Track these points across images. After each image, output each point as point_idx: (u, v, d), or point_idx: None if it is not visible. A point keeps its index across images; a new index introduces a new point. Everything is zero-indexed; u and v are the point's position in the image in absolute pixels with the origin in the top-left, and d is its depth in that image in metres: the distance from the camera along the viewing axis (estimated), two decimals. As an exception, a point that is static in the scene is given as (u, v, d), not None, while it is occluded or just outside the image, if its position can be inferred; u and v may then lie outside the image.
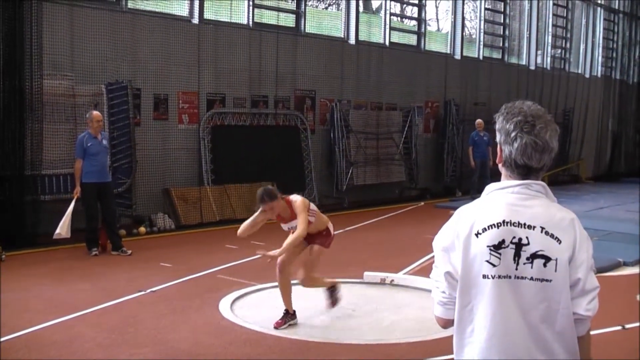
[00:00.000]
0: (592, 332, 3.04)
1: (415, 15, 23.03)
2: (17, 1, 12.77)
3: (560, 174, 27.63)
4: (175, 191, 15.49)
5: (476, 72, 24.36)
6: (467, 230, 2.96)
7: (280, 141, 17.71)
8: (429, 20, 25.07)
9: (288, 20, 18.85)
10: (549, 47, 28.81)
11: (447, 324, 3.10)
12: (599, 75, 32.40)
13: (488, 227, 2.93)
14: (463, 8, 24.45)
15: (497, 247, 2.91)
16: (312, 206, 8.62)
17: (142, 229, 14.42)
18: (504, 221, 2.93)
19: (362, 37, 20.51)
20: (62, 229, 11.63)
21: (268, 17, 18.32)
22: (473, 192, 19.75)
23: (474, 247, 2.93)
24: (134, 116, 14.78)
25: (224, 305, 9.14)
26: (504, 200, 2.98)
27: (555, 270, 2.88)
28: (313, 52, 18.92)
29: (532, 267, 2.89)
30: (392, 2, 22.13)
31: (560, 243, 2.89)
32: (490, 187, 3.06)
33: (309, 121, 18.67)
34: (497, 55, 26.47)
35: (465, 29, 25.65)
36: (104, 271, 11.03)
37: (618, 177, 30.97)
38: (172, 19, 16.04)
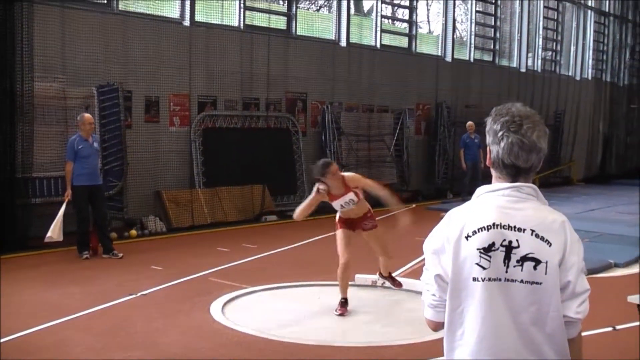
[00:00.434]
0: (583, 334, 3.04)
1: (407, 17, 23.05)
2: (7, 3, 12.74)
3: (551, 175, 27.69)
4: (166, 194, 15.48)
5: (467, 75, 24.40)
6: (457, 233, 2.96)
7: (271, 144, 17.71)
8: (420, 22, 25.09)
9: (279, 23, 18.85)
10: (540, 50, 28.88)
11: (437, 326, 3.09)
12: (590, 77, 32.50)
13: (478, 229, 2.93)
14: (454, 10, 24.49)
15: (487, 250, 2.91)
16: None
17: (133, 232, 14.40)
18: (494, 224, 2.92)
19: (353, 40, 20.52)
20: (54, 232, 11.60)
21: (259, 20, 18.31)
22: (464, 194, 19.77)
23: (464, 250, 2.93)
24: (125, 119, 14.74)
25: (215, 308, 9.12)
26: (494, 203, 2.98)
27: (546, 273, 2.87)
28: (304, 54, 18.92)
29: (522, 270, 2.88)
30: (384, 5, 22.16)
31: (550, 246, 2.89)
32: (481, 190, 3.06)
33: (301, 123, 18.67)
34: (488, 57, 26.53)
35: (457, 32, 25.71)
36: (95, 274, 11.00)
37: (609, 178, 31.04)
38: (163, 21, 16.02)
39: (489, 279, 2.90)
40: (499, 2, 26.66)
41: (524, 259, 2.89)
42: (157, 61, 15.61)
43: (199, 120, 16.41)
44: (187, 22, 16.35)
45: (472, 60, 25.24)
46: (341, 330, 8.50)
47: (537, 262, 2.88)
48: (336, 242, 9.28)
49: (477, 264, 2.91)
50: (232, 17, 17.53)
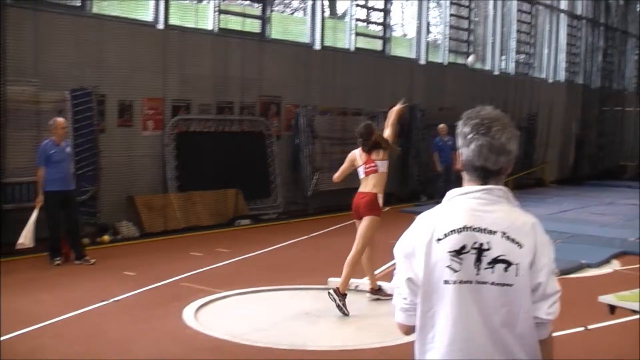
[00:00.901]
0: (554, 334, 3.07)
1: (381, 20, 23.07)
2: (-22, 7, 12.63)
3: (524, 177, 27.83)
4: (139, 198, 15.38)
5: (441, 78, 24.46)
6: (428, 236, 2.98)
7: (245, 147, 17.64)
8: (395, 25, 25.07)
9: (253, 26, 18.79)
10: (513, 53, 29.03)
11: (408, 330, 3.11)
12: (563, 80, 32.72)
13: (449, 232, 2.96)
14: (428, 13, 24.56)
15: (459, 253, 2.93)
16: None
17: (106, 238, 14.27)
18: (465, 226, 2.95)
19: (327, 43, 20.50)
20: (25, 238, 11.51)
21: (233, 23, 18.25)
22: (438, 196, 19.77)
23: (435, 253, 2.95)
24: (98, 123, 14.65)
25: (189, 313, 9.09)
26: (465, 206, 3.00)
27: (517, 275, 2.91)
28: (278, 58, 18.88)
29: (493, 272, 2.91)
30: (358, 8, 22.18)
31: (521, 248, 2.92)
32: (452, 193, 3.09)
33: (274, 127, 18.60)
34: (462, 60, 26.60)
35: (430, 34, 25.76)
36: (67, 281, 10.91)
37: (582, 180, 31.26)
38: (137, 25, 15.91)
39: (460, 282, 2.93)
40: (472, 5, 26.78)
41: (495, 261, 2.92)
42: (130, 65, 15.49)
43: (173, 124, 16.31)
44: (161, 26, 16.24)
45: (446, 63, 25.30)
46: (314, 334, 8.51)
47: (508, 264, 2.92)
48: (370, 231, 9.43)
49: (448, 266, 2.94)
50: (206, 21, 17.47)
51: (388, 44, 22.82)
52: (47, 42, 13.99)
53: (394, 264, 3.12)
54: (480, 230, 2.94)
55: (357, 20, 21.97)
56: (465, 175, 3.07)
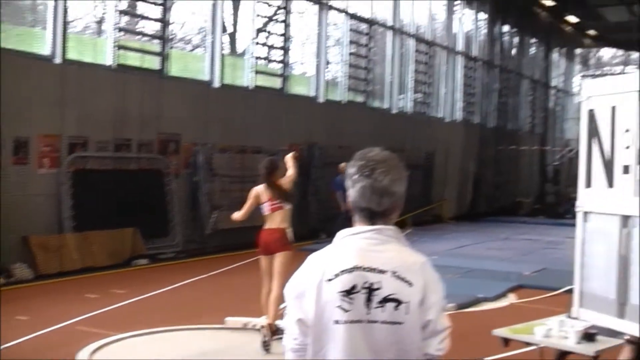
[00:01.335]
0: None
1: (281, 58, 23.20)
2: None
3: (423, 214, 28.26)
4: (34, 239, 14.98)
5: (340, 116, 24.69)
6: (319, 276, 2.99)
7: (143, 186, 17.43)
8: (294, 63, 25.27)
9: (153, 63, 18.66)
10: (411, 92, 29.54)
11: (300, 371, 3.09)
12: (460, 119, 33.49)
13: (340, 272, 2.97)
14: (327, 52, 24.81)
15: (349, 293, 2.95)
16: None
17: (-1, 280, 13.85)
18: (355, 266, 2.97)
19: (227, 81, 20.50)
20: None
21: (132, 59, 18.08)
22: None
23: (326, 293, 2.97)
24: (-9, 160, 14.27)
25: (82, 357, 8.88)
26: (355, 246, 3.03)
27: (407, 313, 2.94)
28: (178, 95, 18.78)
29: (383, 311, 2.94)
30: (258, 46, 22.25)
31: (411, 286, 2.95)
32: (343, 233, 3.11)
33: (173, 165, 18.45)
34: (360, 98, 26.92)
35: (330, 73, 26.02)
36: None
37: (479, 216, 31.94)
38: (33, 58, 15.62)
39: (351, 321, 2.94)
40: (371, 44, 27.16)
41: (385, 300, 2.94)
42: (26, 100, 15.14)
43: (70, 161, 16.00)
44: (58, 60, 15.94)
45: (344, 101, 25.57)
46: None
47: (399, 302, 2.94)
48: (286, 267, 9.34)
49: (339, 306, 2.95)
50: (105, 56, 17.26)
51: (287, 82, 22.95)
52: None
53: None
54: (370, 270, 2.97)
55: (257, 58, 22.05)
56: (354, 216, 3.11)
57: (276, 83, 22.91)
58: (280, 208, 9.64)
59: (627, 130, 3.65)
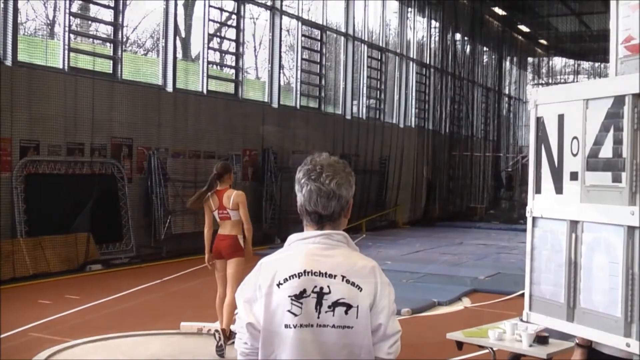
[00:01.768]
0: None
1: (234, 63, 23.20)
2: None
3: (377, 219, 28.41)
4: (-15, 244, 14.82)
5: (294, 121, 24.73)
6: (269, 281, 3.02)
7: (96, 190, 17.27)
8: (248, 68, 25.33)
9: (105, 66, 18.54)
10: (365, 98, 29.68)
11: (250, 375, 3.12)
12: (413, 125, 33.72)
13: (290, 277, 2.99)
14: (280, 58, 24.85)
15: (299, 297, 2.97)
16: None
17: (-52, 287, 13.67)
18: (305, 271, 2.99)
19: (180, 85, 20.44)
20: None
21: (84, 62, 17.94)
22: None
23: (276, 298, 2.99)
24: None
25: (35, 364, 8.82)
26: (305, 250, 3.05)
27: (357, 317, 2.96)
28: (130, 99, 18.68)
29: (333, 315, 2.96)
30: (211, 51, 22.23)
31: (361, 291, 2.98)
32: (292, 238, 3.15)
33: (126, 169, 18.35)
34: (314, 104, 27.01)
35: (283, 78, 26.08)
36: None
37: (433, 221, 32.12)
38: (-18, 62, 15.46)
39: (301, 325, 2.96)
40: (324, 50, 27.26)
41: (335, 304, 2.96)
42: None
43: (21, 165, 15.84)
44: (8, 62, 15.74)
45: (298, 106, 25.64)
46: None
47: (349, 306, 2.96)
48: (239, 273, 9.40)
49: (289, 311, 2.97)
50: (57, 59, 17.10)
51: (241, 87, 22.94)
52: None
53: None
54: (320, 274, 3.00)
55: (210, 62, 22.03)
56: (303, 221, 3.16)
57: (229, 88, 22.90)
58: (227, 219, 9.63)
59: (574, 138, 3.74)
